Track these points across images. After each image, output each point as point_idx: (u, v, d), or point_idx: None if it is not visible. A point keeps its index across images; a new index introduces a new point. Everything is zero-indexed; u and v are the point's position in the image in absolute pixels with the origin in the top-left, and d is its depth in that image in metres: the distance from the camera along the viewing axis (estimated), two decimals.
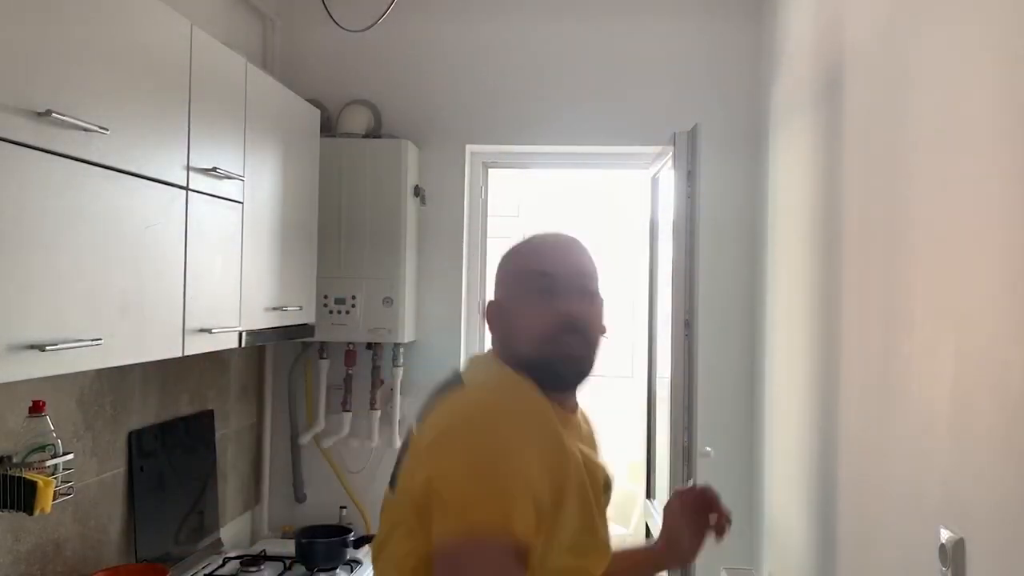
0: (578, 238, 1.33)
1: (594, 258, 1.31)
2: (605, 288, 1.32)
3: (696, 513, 1.44)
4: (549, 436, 1.16)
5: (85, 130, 1.48)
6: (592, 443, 1.35)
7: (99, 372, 2.12)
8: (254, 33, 3.11)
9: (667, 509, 1.49)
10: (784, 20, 2.83)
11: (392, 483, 1.22)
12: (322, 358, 3.15)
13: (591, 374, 1.28)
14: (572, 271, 1.27)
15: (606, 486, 1.31)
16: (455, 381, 1.25)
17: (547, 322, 1.22)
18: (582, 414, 1.35)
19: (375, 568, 1.26)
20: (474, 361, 1.38)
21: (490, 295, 1.36)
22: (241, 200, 2.18)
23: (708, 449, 2.58)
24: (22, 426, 1.78)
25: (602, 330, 1.29)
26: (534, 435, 1.13)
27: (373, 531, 3.08)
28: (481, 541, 1.02)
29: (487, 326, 1.34)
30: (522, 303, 1.25)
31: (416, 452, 1.16)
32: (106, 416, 2.17)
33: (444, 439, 1.12)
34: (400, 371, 3.14)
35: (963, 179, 1.50)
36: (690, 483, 1.87)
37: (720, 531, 1.43)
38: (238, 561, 2.62)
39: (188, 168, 1.88)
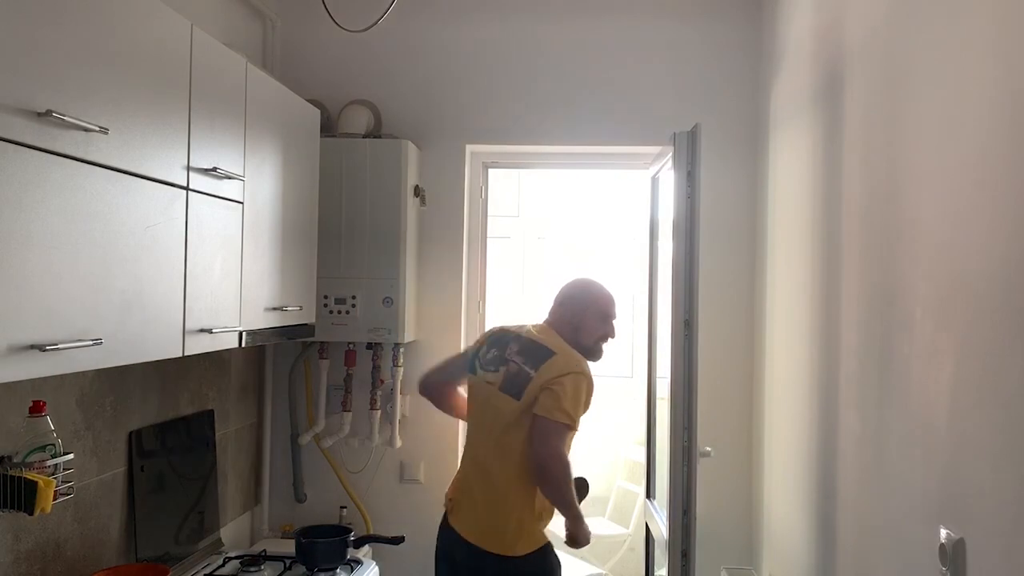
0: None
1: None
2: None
3: None
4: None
5: (85, 130, 1.48)
6: None
7: (99, 372, 2.12)
8: (254, 33, 3.11)
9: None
10: (784, 20, 2.83)
11: (515, 394, 2.35)
12: (322, 358, 3.16)
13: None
14: (614, 312, 2.56)
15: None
16: (547, 351, 2.39)
17: (598, 335, 2.51)
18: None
19: (495, 446, 2.39)
20: (548, 334, 2.47)
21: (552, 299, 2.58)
22: (241, 200, 2.18)
23: (708, 449, 2.58)
24: (22, 426, 1.79)
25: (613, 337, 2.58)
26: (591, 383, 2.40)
27: (373, 531, 3.10)
28: (564, 424, 2.29)
29: (557, 317, 2.52)
30: (590, 321, 2.49)
31: (543, 376, 2.33)
32: (106, 416, 2.17)
33: (566, 374, 2.34)
34: (400, 371, 3.15)
35: (963, 178, 1.50)
36: None
37: None
38: (238, 561, 2.62)
39: (188, 168, 1.88)
